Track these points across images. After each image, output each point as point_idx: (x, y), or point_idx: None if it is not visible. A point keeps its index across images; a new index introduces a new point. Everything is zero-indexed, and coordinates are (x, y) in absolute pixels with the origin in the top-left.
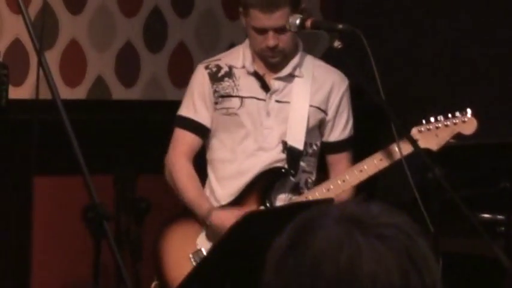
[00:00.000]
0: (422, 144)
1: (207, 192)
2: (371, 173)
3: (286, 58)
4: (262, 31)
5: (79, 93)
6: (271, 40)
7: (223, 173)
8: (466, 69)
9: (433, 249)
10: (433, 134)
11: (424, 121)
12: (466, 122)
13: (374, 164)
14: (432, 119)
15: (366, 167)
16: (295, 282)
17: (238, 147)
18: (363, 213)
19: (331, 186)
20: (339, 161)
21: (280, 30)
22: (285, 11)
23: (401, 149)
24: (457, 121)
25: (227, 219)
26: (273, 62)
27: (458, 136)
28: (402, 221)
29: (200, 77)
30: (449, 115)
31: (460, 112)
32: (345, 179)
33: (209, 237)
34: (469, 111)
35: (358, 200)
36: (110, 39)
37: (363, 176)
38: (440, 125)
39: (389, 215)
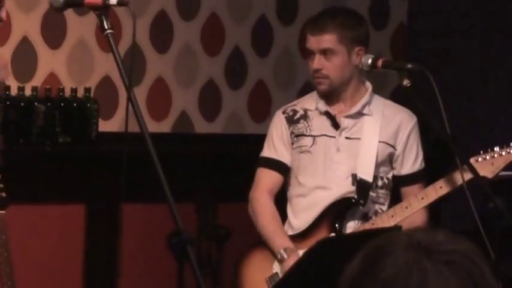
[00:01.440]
0: (479, 172)
1: (286, 226)
2: (432, 199)
3: (335, 89)
4: (311, 54)
5: (164, 127)
6: (316, 62)
7: (298, 206)
8: None
9: (494, 275)
10: (489, 163)
11: (481, 152)
12: None
13: (435, 191)
14: (489, 150)
15: (427, 193)
16: None
17: (311, 181)
18: (430, 240)
19: (395, 213)
20: (410, 193)
21: (325, 53)
22: (332, 37)
23: (463, 176)
24: (506, 150)
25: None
26: (320, 88)
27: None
28: (467, 247)
29: (278, 121)
30: (505, 145)
31: None
32: (407, 205)
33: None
34: None
35: (425, 227)
36: (193, 77)
37: (425, 203)
38: (495, 154)
39: (455, 241)
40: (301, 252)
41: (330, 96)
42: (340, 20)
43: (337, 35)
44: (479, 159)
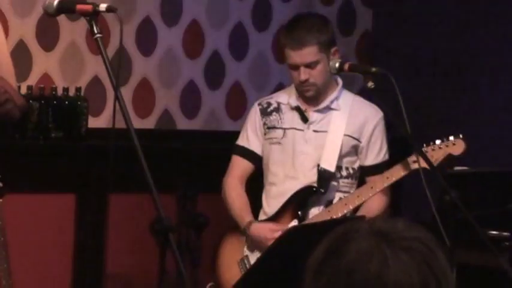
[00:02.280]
0: (420, 163)
1: (261, 212)
2: (379, 188)
3: (320, 92)
4: (295, 67)
5: (148, 123)
6: (302, 75)
7: (270, 194)
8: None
9: (449, 261)
10: (429, 155)
11: (424, 145)
12: (456, 144)
13: (382, 181)
14: (431, 143)
15: (376, 183)
16: (332, 285)
17: (281, 171)
18: (390, 228)
19: (348, 201)
20: (373, 181)
21: (310, 66)
22: (313, 49)
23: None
24: (449, 144)
25: (263, 230)
26: (308, 95)
27: (450, 157)
28: (424, 235)
29: (253, 113)
30: (444, 139)
31: (454, 136)
32: (359, 194)
33: (249, 246)
34: (461, 135)
35: (385, 216)
36: (175, 78)
37: (373, 191)
38: (435, 147)
39: (413, 230)
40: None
41: (317, 97)
42: (315, 29)
43: (316, 45)
44: (426, 151)
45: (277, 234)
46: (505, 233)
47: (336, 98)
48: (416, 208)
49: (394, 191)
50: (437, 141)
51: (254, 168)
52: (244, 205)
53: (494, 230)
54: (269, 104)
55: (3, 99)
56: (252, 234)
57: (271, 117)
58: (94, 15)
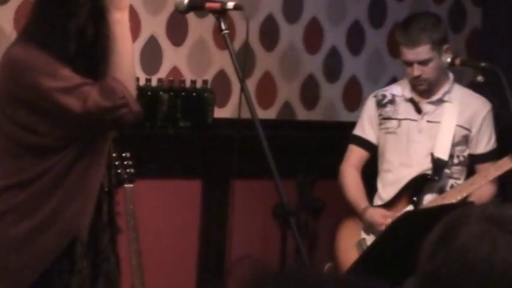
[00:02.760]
0: None
1: (376, 197)
2: (492, 176)
3: (432, 86)
4: (409, 64)
5: (270, 114)
6: (415, 71)
7: (385, 180)
8: None
9: None
10: None
11: None
12: None
13: (495, 169)
14: None
15: (489, 172)
16: (446, 266)
17: (396, 159)
18: (499, 213)
19: (462, 188)
20: (484, 170)
21: (423, 63)
22: (426, 47)
23: None
24: None
25: (376, 216)
26: (420, 89)
27: None
28: None
29: (369, 104)
30: None
31: None
32: (472, 182)
33: (366, 229)
34: None
35: (495, 202)
36: (296, 72)
37: (486, 179)
38: None
39: None
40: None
41: (430, 91)
42: (428, 28)
43: (430, 44)
44: None
45: (389, 220)
46: None
47: (448, 91)
48: None
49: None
50: None
51: (369, 156)
52: (360, 191)
53: None
54: (384, 96)
55: (120, 103)
56: (367, 219)
57: (386, 109)
58: (222, 13)
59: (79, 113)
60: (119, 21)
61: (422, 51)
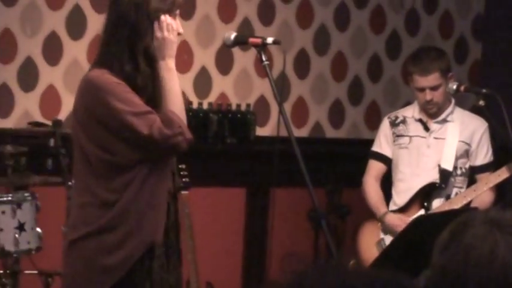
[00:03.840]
0: None
1: (391, 203)
2: (492, 184)
3: (440, 108)
4: (422, 89)
5: (303, 132)
6: (428, 95)
7: (399, 188)
8: None
9: None
10: None
11: None
12: None
13: (495, 177)
14: None
15: (489, 179)
16: (453, 261)
17: (408, 170)
18: (501, 217)
19: (466, 194)
20: (483, 179)
21: (434, 88)
22: (437, 75)
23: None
24: None
25: (395, 220)
26: (431, 112)
27: None
28: None
29: (384, 125)
30: None
31: None
32: (475, 189)
33: (384, 231)
34: None
35: (496, 208)
36: (325, 98)
37: (487, 186)
38: None
39: None
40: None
41: (437, 113)
42: (438, 58)
43: (439, 72)
44: None
45: (406, 223)
46: None
47: (451, 112)
48: None
49: (503, 190)
50: None
51: (386, 168)
52: (380, 199)
53: None
54: (396, 117)
55: (177, 132)
56: (386, 222)
57: (398, 127)
58: (262, 47)
59: (146, 135)
60: (170, 68)
61: (434, 78)
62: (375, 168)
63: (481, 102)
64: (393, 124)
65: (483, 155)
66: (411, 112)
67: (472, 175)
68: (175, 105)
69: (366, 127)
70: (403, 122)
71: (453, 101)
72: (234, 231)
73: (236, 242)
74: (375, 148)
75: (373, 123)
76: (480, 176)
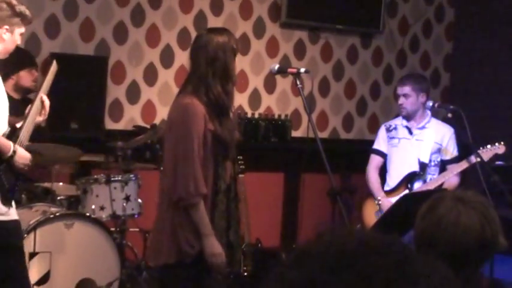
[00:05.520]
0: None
1: (385, 185)
2: (456, 171)
3: (409, 114)
4: (398, 96)
5: (325, 134)
6: (400, 100)
7: (391, 175)
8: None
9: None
10: (483, 154)
11: (480, 148)
12: (499, 147)
13: (459, 167)
14: (484, 147)
15: (454, 168)
16: (429, 226)
17: (397, 163)
18: (464, 196)
19: (438, 179)
20: (449, 168)
21: (405, 96)
22: (409, 88)
23: (476, 159)
24: (495, 147)
25: (387, 203)
26: (402, 114)
27: (495, 155)
28: (483, 199)
29: (381, 130)
30: (493, 144)
31: (498, 142)
32: (444, 175)
33: (381, 206)
34: (502, 142)
35: (461, 189)
36: (340, 111)
37: (453, 173)
38: (487, 149)
39: (477, 196)
40: (391, 199)
41: (409, 118)
42: (414, 78)
43: (411, 87)
44: (480, 152)
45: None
46: None
47: (428, 122)
48: (476, 185)
49: (465, 176)
50: (488, 146)
51: (383, 161)
52: (378, 184)
53: None
54: (390, 125)
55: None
56: (381, 204)
57: (391, 132)
58: (297, 74)
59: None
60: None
61: (406, 89)
62: (375, 161)
63: (449, 115)
64: (388, 130)
65: (450, 151)
66: (400, 121)
67: (443, 166)
68: None
69: (369, 132)
70: (395, 128)
71: (429, 113)
72: (275, 204)
73: (277, 211)
74: (375, 146)
75: (374, 129)
76: (448, 166)
